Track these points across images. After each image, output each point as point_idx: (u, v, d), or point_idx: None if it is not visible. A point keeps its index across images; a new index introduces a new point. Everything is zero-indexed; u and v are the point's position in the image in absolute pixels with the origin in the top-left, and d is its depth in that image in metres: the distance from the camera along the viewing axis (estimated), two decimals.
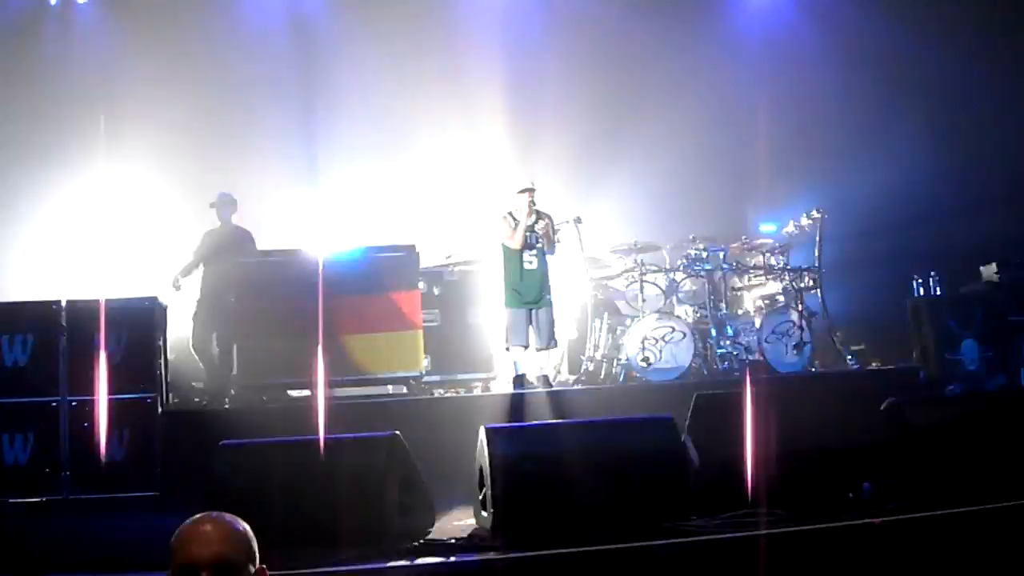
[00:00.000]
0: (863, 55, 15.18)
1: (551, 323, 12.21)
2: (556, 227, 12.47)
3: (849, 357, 12.96)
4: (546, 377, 12.23)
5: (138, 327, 10.30)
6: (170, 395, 11.15)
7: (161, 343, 10.64)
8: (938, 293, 13.28)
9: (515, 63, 14.97)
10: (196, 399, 12.00)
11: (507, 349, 12.29)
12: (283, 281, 11.82)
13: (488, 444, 7.79)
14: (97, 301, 10.52)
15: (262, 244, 12.85)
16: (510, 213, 12.34)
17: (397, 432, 7.98)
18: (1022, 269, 13.07)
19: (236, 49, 14.70)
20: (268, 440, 8.34)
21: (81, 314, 10.24)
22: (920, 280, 13.38)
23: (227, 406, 11.53)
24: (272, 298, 11.73)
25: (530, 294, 12.12)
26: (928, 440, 8.15)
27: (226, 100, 14.64)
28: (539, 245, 12.22)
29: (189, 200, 13.52)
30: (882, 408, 8.35)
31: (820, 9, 15.61)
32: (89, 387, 10.10)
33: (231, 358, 11.92)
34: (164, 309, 10.90)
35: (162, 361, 10.61)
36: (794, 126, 15.08)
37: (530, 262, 12.20)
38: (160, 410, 10.26)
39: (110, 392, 10.10)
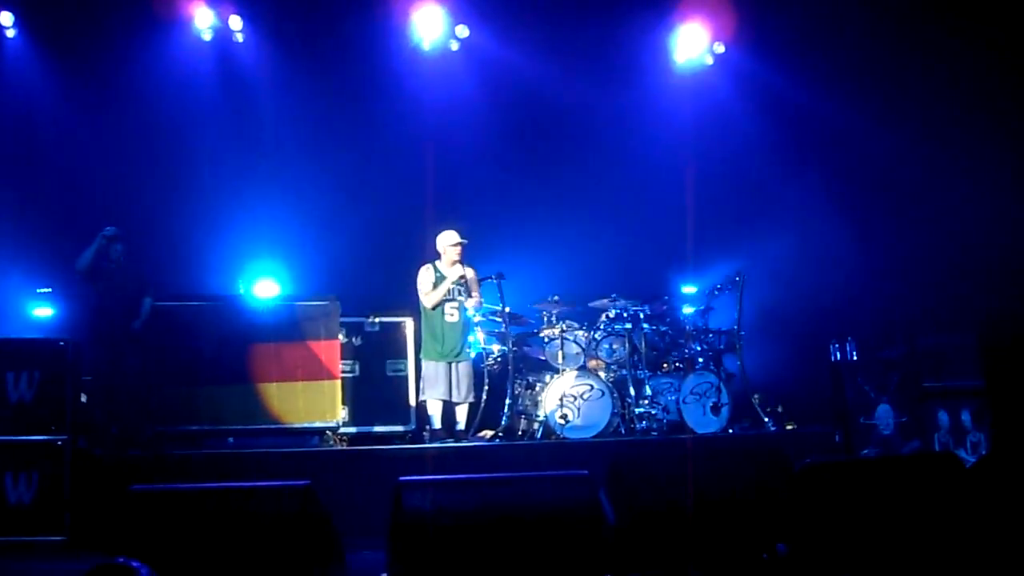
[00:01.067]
0: (793, 123, 15.35)
1: (470, 377, 12.25)
2: (479, 279, 12.52)
3: (766, 419, 13.05)
4: (463, 431, 12.23)
5: (50, 367, 10.13)
6: (80, 438, 10.95)
7: (74, 384, 10.45)
8: (855, 357, 13.42)
9: (443, 116, 14.98)
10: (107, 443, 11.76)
11: (423, 402, 12.26)
12: (202, 327, 11.69)
13: (401, 497, 7.71)
14: (9, 339, 10.37)
15: (180, 287, 12.71)
16: (433, 265, 12.37)
17: (310, 482, 7.87)
18: (936, 336, 13.25)
19: (165, 89, 14.55)
20: (179, 486, 8.18)
21: None
22: (837, 344, 13.53)
23: (140, 452, 11.33)
24: (191, 344, 11.60)
25: (450, 347, 12.16)
26: (841, 502, 8.17)
27: (154, 136, 14.46)
28: (460, 299, 12.26)
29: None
30: (797, 470, 8.37)
31: (745, 77, 15.75)
32: None
33: (141, 403, 11.75)
34: (78, 349, 10.71)
35: (74, 403, 10.42)
36: (717, 189, 15.21)
37: (451, 315, 12.25)
38: (70, 453, 10.08)
39: (20, 433, 9.93)
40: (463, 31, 15.25)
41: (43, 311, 13.55)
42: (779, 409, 13.62)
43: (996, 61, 14.07)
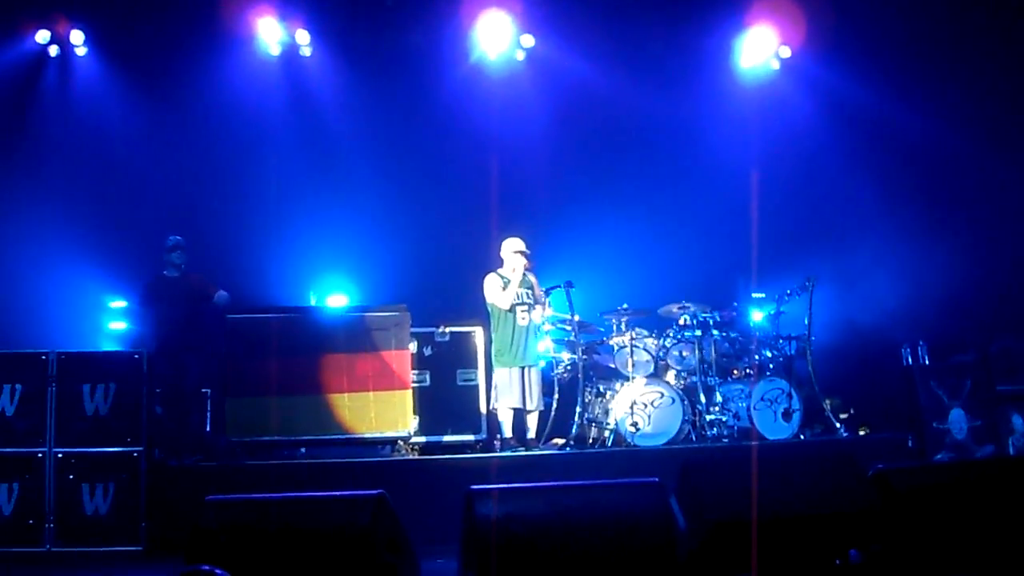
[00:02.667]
0: (861, 128, 15.26)
1: (541, 384, 12.30)
2: (545, 289, 12.60)
3: (838, 425, 12.96)
4: (534, 439, 12.27)
5: (126, 379, 10.30)
6: (156, 449, 11.11)
7: (149, 396, 10.61)
8: (927, 362, 13.32)
9: (508, 125, 15.04)
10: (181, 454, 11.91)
11: (494, 410, 12.32)
12: (274, 338, 11.80)
13: (473, 506, 7.75)
14: (86, 352, 10.54)
15: (251, 299, 12.89)
16: (498, 273, 12.44)
17: (384, 492, 7.93)
18: (1009, 340, 13.13)
19: (234, 103, 14.73)
20: (254, 496, 8.28)
21: (70, 365, 10.28)
22: (909, 349, 13.43)
23: (214, 462, 11.47)
24: (264, 355, 11.71)
25: (521, 355, 12.25)
26: (915, 507, 8.12)
27: (224, 150, 14.64)
28: (529, 303, 12.33)
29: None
30: (869, 475, 8.32)
31: (812, 82, 15.69)
32: (75, 439, 10.10)
33: (216, 413, 11.90)
34: (152, 361, 10.87)
35: (149, 414, 10.57)
36: (785, 194, 15.14)
37: (523, 318, 12.32)
38: (146, 464, 10.22)
39: (96, 444, 10.09)
40: (528, 40, 15.33)
41: (118, 324, 13.75)
42: (851, 413, 13.54)
43: None
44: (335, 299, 14.03)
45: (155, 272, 12.74)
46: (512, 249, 12.54)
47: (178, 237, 12.67)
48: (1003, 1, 14.16)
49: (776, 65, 15.93)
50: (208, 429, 12.59)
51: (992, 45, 14.51)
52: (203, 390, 12.75)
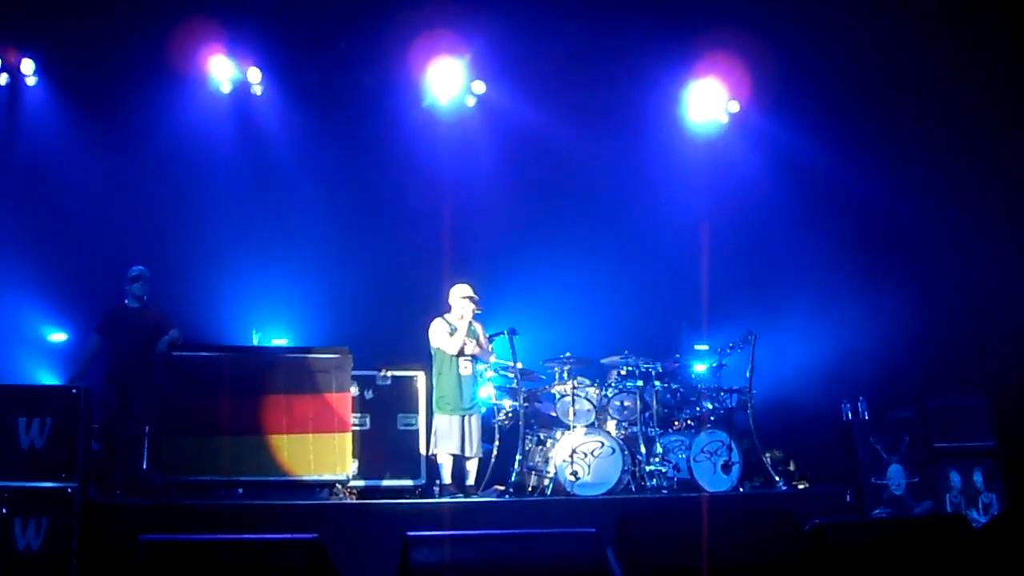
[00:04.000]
0: (806, 183, 15.43)
1: (481, 431, 12.28)
2: (489, 336, 12.60)
3: (777, 478, 13.02)
4: (473, 486, 12.24)
5: (62, 414, 10.15)
6: (92, 485, 10.97)
7: (85, 431, 10.47)
8: (866, 418, 13.41)
9: (457, 171, 15.09)
10: (117, 491, 11.75)
11: (434, 455, 12.27)
12: (215, 377, 11.68)
13: (409, 552, 7.70)
14: (22, 385, 10.41)
15: (194, 336, 12.79)
16: (445, 318, 12.44)
17: (319, 536, 7.86)
18: (947, 397, 13.26)
19: (183, 139, 14.68)
20: (189, 537, 8.18)
21: (5, 397, 10.13)
22: (849, 405, 13.52)
23: (150, 501, 11.31)
24: (204, 393, 11.60)
25: (463, 401, 12.20)
26: (851, 562, 8.15)
27: (171, 186, 14.57)
28: (472, 356, 12.34)
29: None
30: (807, 529, 8.35)
31: (760, 137, 15.85)
32: (9, 472, 9.95)
33: (152, 451, 11.77)
34: (91, 396, 10.74)
35: (85, 450, 10.43)
36: (730, 248, 15.25)
37: (465, 368, 12.29)
38: (80, 501, 10.08)
39: (30, 479, 9.95)
40: (480, 87, 15.39)
41: (58, 336, 13.68)
42: (791, 467, 13.60)
43: (1011, 124, 14.15)
44: (277, 334, 13.93)
45: (113, 302, 12.66)
46: (461, 295, 12.52)
47: (141, 268, 12.60)
48: (943, 59, 14.34)
49: (725, 119, 16.06)
50: (144, 467, 12.43)
51: (936, 103, 14.72)
52: (145, 427, 12.62)
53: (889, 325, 14.12)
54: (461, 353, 12.35)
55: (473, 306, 12.47)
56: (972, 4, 14.13)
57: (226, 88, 15.00)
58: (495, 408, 13.02)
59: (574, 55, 15.07)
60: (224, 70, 14.89)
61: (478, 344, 12.51)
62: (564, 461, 12.15)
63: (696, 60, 15.50)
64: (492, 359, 12.84)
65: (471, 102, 15.54)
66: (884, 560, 8.20)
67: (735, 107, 15.97)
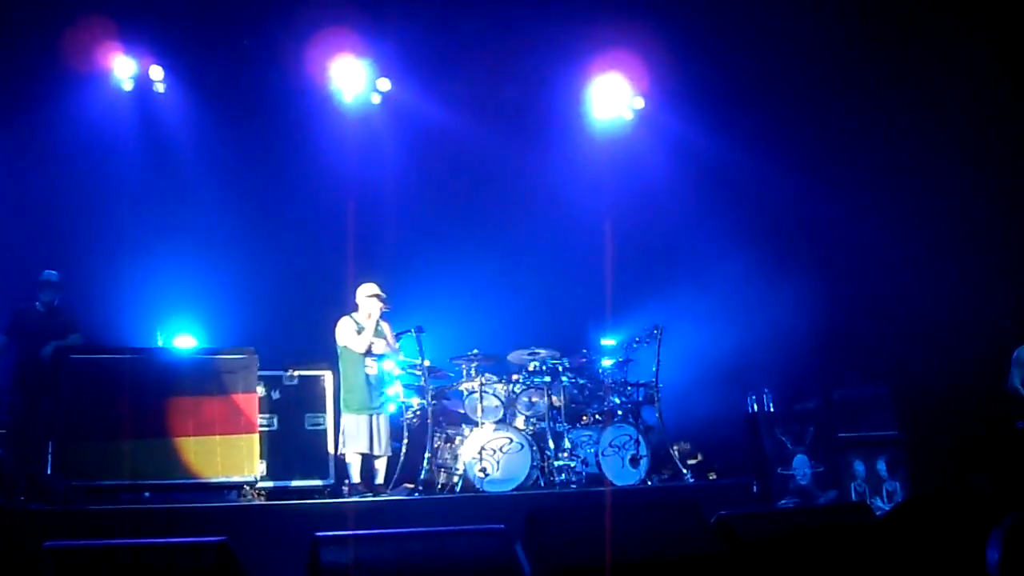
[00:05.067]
0: (710, 177, 15.57)
1: (389, 430, 12.26)
2: (396, 334, 12.59)
3: (685, 471, 13.15)
4: (383, 485, 12.22)
5: None
6: None
7: None
8: (771, 409, 13.59)
9: (363, 169, 15.05)
10: (21, 497, 11.57)
11: (342, 455, 12.24)
12: (120, 379, 11.54)
13: (318, 552, 7.67)
14: None
15: (98, 338, 12.64)
16: (352, 316, 12.40)
17: (227, 539, 7.81)
18: (851, 388, 13.47)
19: (84, 138, 14.48)
20: (94, 542, 8.07)
21: None
22: (754, 396, 13.69)
23: (54, 506, 11.15)
24: (108, 397, 11.44)
25: (371, 400, 12.18)
26: (757, 553, 8.25)
27: (74, 186, 14.38)
28: (382, 352, 12.32)
29: None
30: (713, 521, 8.44)
31: (664, 129, 15.97)
32: None
33: (56, 456, 11.61)
34: (4, 399, 10.60)
35: None
36: (636, 243, 15.38)
37: (371, 367, 12.25)
38: None
39: None
40: (384, 84, 15.35)
41: None
42: (699, 459, 13.73)
43: (911, 114, 14.39)
44: (183, 340, 13.79)
45: (22, 304, 12.51)
46: (367, 293, 12.48)
47: (52, 272, 12.47)
48: (843, 48, 14.59)
49: (629, 115, 16.15)
50: (49, 472, 12.25)
51: (835, 95, 14.97)
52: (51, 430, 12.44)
53: (793, 317, 14.28)
54: (369, 352, 12.32)
55: (381, 304, 12.45)
56: None
57: (128, 86, 14.80)
58: (403, 406, 13.00)
59: (478, 52, 15.05)
60: (125, 68, 14.68)
61: (386, 343, 12.49)
62: (473, 458, 12.16)
63: (599, 55, 15.56)
64: (400, 357, 12.82)
65: (376, 99, 15.49)
66: (789, 549, 8.31)
67: (639, 103, 16.05)
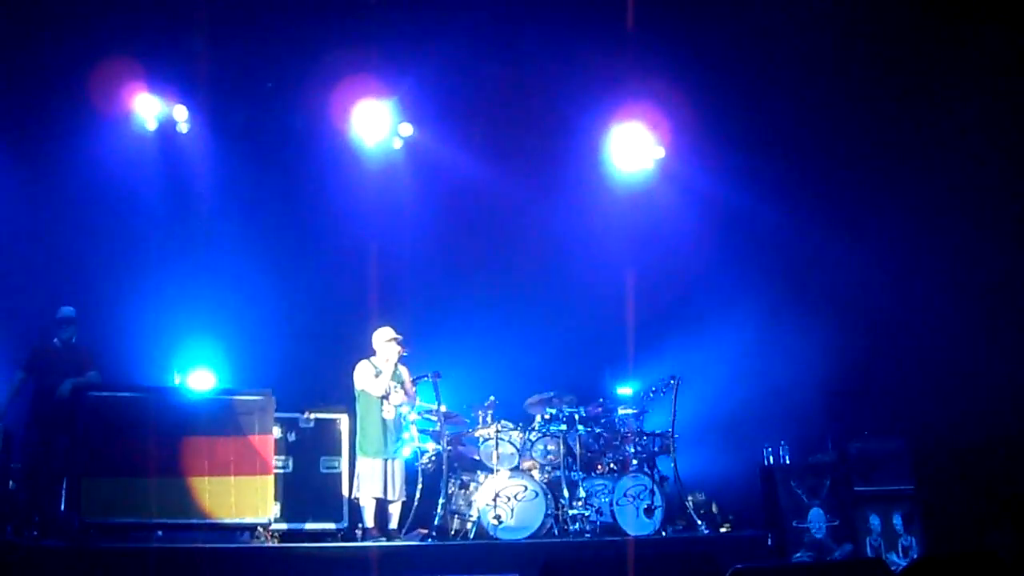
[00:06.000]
0: (731, 229, 15.59)
1: (404, 474, 12.25)
2: (413, 379, 12.59)
3: (700, 522, 13.09)
4: (396, 530, 12.20)
5: None
6: (9, 526, 10.81)
7: (2, 472, 10.33)
8: (787, 462, 13.53)
9: (383, 214, 15.10)
10: (34, 532, 11.55)
11: (356, 498, 12.22)
12: (135, 418, 11.55)
13: None
14: None
15: (115, 376, 12.66)
16: (370, 360, 12.42)
17: None
18: (867, 441, 13.42)
19: (108, 179, 14.54)
20: None
21: None
22: (770, 449, 13.64)
23: (67, 543, 11.13)
24: (123, 435, 11.45)
25: (386, 444, 12.17)
26: None
27: (97, 226, 14.45)
28: (399, 401, 12.33)
29: None
30: (728, 574, 8.41)
31: (685, 180, 15.98)
32: None
33: (70, 492, 11.60)
34: (10, 436, 10.60)
35: (2, 490, 10.29)
36: (655, 293, 15.35)
37: (388, 412, 12.27)
38: None
39: None
40: (407, 130, 15.42)
41: None
42: (714, 511, 13.68)
43: (932, 169, 14.41)
44: (200, 375, 13.81)
45: (41, 341, 12.59)
46: (385, 338, 12.50)
47: (70, 308, 12.56)
48: (862, 102, 14.65)
49: (650, 165, 16.16)
50: (63, 508, 12.25)
51: (855, 146, 15.02)
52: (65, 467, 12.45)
53: (811, 369, 14.26)
54: (386, 396, 12.32)
55: (399, 348, 12.46)
56: (887, 50, 14.38)
57: (151, 126, 14.88)
58: (419, 452, 12.98)
59: (500, 99, 15.09)
60: (149, 108, 14.77)
61: (403, 389, 12.49)
62: (487, 505, 12.13)
63: (620, 104, 15.61)
64: (417, 403, 12.82)
65: (397, 144, 15.55)
66: None
67: (660, 153, 16.07)
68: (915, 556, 12.70)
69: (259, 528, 11.71)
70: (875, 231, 14.90)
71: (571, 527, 12.48)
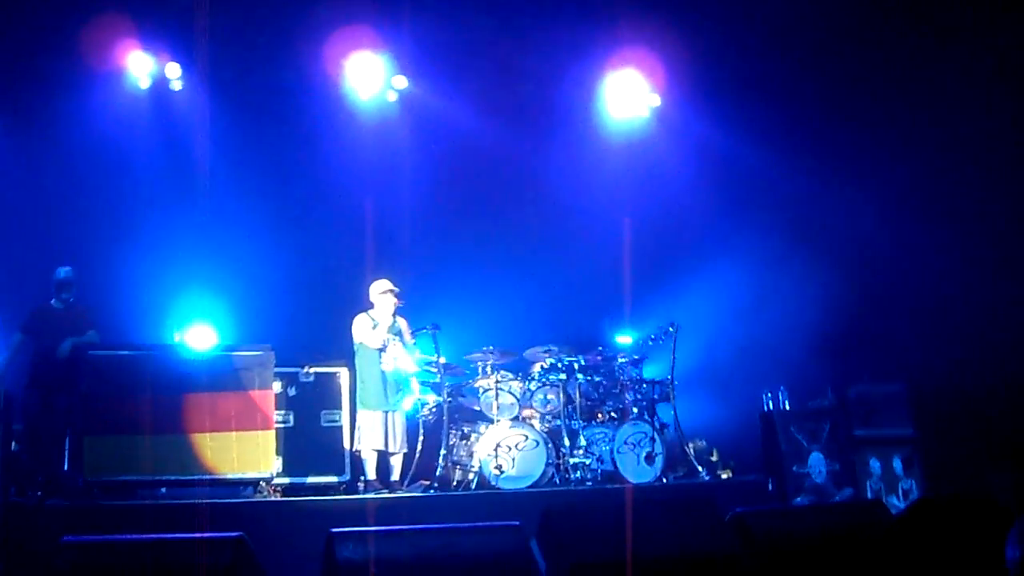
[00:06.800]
0: (728, 172, 15.53)
1: (405, 426, 12.29)
2: (412, 332, 12.60)
3: (700, 468, 13.14)
4: (398, 481, 12.24)
5: None
6: (12, 487, 10.85)
7: (5, 433, 10.35)
8: (787, 407, 13.56)
9: (379, 166, 15.07)
10: (38, 492, 11.59)
11: (358, 451, 12.26)
12: (136, 376, 11.57)
13: (333, 549, 7.69)
14: None
15: (114, 334, 12.66)
16: (368, 313, 12.43)
17: (243, 534, 7.83)
18: (866, 385, 13.45)
19: (101, 136, 14.50)
20: (111, 537, 8.11)
21: None
22: (770, 394, 13.67)
23: (71, 502, 11.17)
24: (124, 393, 11.48)
25: (386, 396, 12.19)
26: (773, 550, 8.25)
27: (91, 183, 14.41)
28: (395, 347, 12.33)
29: None
30: (727, 519, 8.44)
31: (681, 127, 15.93)
32: None
33: (73, 452, 11.64)
34: (11, 397, 10.61)
35: (5, 451, 10.31)
36: (652, 240, 15.33)
37: (387, 364, 12.27)
38: (1, 503, 9.96)
39: None
40: (401, 82, 15.37)
41: None
42: (714, 458, 13.72)
43: (933, 119, 14.36)
44: (199, 330, 13.82)
45: (39, 301, 12.55)
46: (380, 290, 12.52)
47: (68, 268, 12.48)
48: (867, 48, 14.60)
49: (646, 113, 16.12)
50: (66, 468, 12.30)
51: (857, 95, 14.96)
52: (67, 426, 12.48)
53: (810, 313, 14.24)
54: (383, 348, 12.34)
55: (395, 299, 12.46)
56: None
57: (144, 84, 14.84)
58: (419, 403, 13.02)
59: (493, 48, 15.03)
60: (142, 65, 14.73)
61: (402, 340, 12.50)
62: (488, 455, 12.18)
63: (615, 51, 15.54)
64: (416, 354, 12.83)
65: (392, 97, 15.51)
66: (804, 547, 8.32)
67: (656, 100, 16.02)
68: (914, 498, 12.75)
69: (262, 482, 11.74)
70: (872, 175, 14.85)
71: (572, 476, 12.53)
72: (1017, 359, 13.18)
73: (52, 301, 12.46)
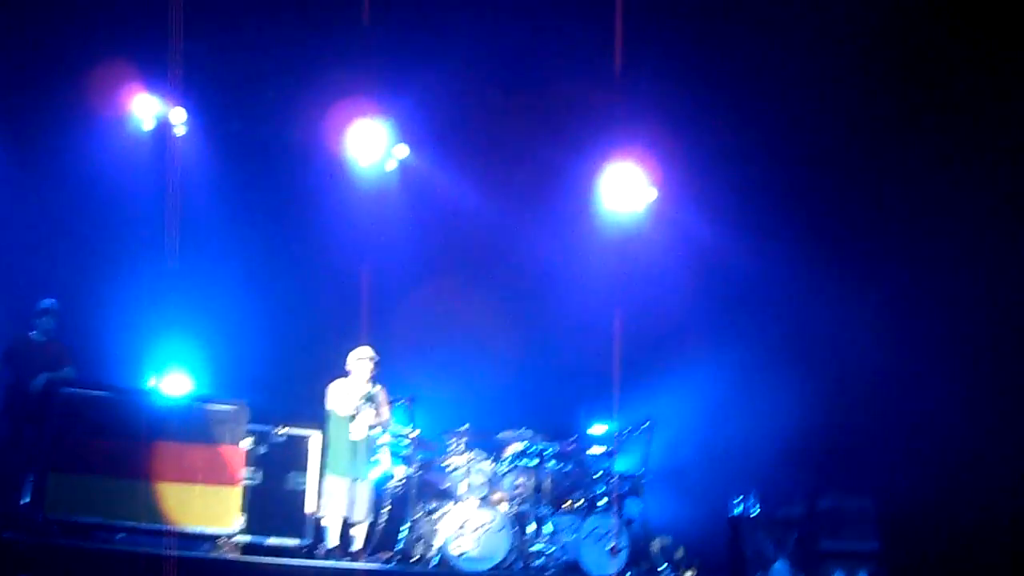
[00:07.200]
0: (713, 274, 15.59)
1: (370, 496, 12.20)
2: (390, 400, 12.55)
3: (664, 566, 13.06)
4: (359, 551, 12.14)
5: None
6: None
7: None
8: (757, 511, 13.51)
9: (371, 233, 15.13)
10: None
11: (321, 517, 12.17)
12: (107, 417, 11.50)
13: None
14: None
15: (91, 374, 12.60)
16: (343, 380, 12.38)
17: None
18: (835, 498, 13.42)
19: (99, 176, 14.55)
20: None
21: None
22: (740, 498, 13.63)
23: (28, 539, 11.03)
24: (94, 433, 11.40)
25: (354, 465, 12.10)
26: None
27: (84, 227, 14.45)
28: (368, 416, 12.27)
29: None
30: None
31: (675, 224, 15.98)
32: None
33: (35, 487, 11.53)
34: None
35: None
36: (636, 333, 15.32)
37: (357, 433, 12.19)
38: None
39: None
40: (402, 151, 15.44)
41: None
42: (680, 555, 13.62)
43: (917, 228, 14.47)
44: (176, 377, 13.77)
45: (20, 332, 12.50)
46: (357, 356, 12.47)
47: (52, 301, 12.45)
48: (854, 154, 14.74)
49: (641, 208, 16.16)
50: (28, 502, 12.17)
51: (845, 199, 15.07)
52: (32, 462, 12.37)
53: (786, 420, 14.26)
54: (354, 416, 12.26)
55: (371, 365, 12.40)
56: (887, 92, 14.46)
57: (148, 125, 14.89)
58: (387, 475, 12.95)
59: (497, 129, 15.16)
60: (148, 107, 14.79)
61: (377, 410, 12.42)
62: (453, 533, 12.11)
63: (615, 145, 15.62)
64: (388, 423, 12.76)
65: (391, 166, 15.57)
66: None
67: (652, 194, 16.08)
68: None
69: (222, 538, 11.64)
70: (858, 290, 14.93)
71: (534, 562, 12.44)
72: (986, 477, 13.21)
73: (33, 333, 12.41)
